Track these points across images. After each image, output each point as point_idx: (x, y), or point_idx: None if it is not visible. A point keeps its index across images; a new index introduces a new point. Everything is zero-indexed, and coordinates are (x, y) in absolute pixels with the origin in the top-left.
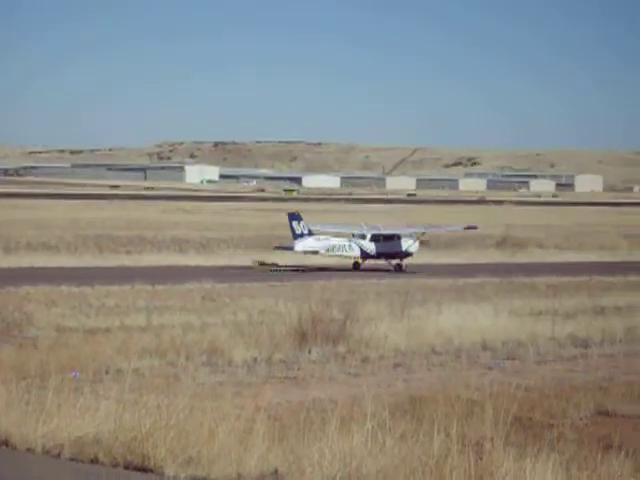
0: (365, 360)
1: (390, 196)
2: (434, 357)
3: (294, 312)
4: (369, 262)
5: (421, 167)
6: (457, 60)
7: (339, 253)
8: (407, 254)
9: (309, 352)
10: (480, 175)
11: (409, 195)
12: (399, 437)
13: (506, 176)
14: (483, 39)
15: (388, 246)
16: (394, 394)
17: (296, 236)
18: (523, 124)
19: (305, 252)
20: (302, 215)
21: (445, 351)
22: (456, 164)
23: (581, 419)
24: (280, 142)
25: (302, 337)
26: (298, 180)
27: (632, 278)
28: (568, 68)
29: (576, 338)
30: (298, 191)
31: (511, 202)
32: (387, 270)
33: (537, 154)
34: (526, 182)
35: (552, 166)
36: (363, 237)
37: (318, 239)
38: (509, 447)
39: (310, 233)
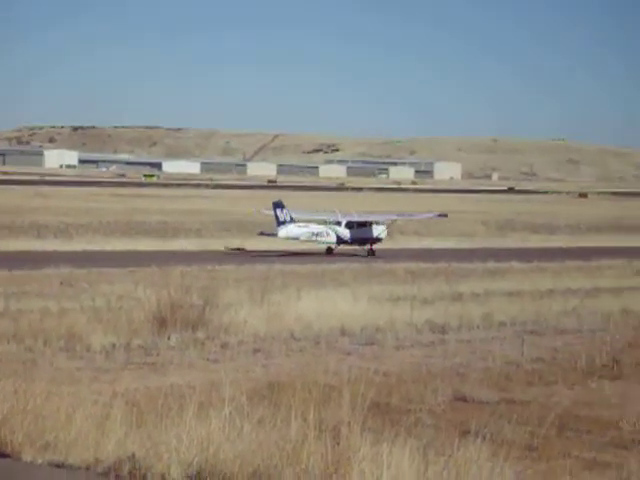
0: (224, 346)
1: (250, 182)
2: (293, 343)
3: (153, 298)
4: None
5: (281, 153)
6: (317, 46)
7: (318, 239)
8: (377, 240)
9: (168, 338)
10: (340, 162)
11: (269, 182)
12: (257, 422)
13: (366, 163)
14: (342, 25)
15: (361, 232)
16: (253, 380)
17: (279, 223)
18: (383, 111)
19: (287, 238)
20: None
21: (304, 337)
22: (316, 151)
23: (439, 404)
24: (140, 127)
25: (161, 323)
26: (158, 165)
27: (490, 265)
28: (424, 55)
29: (434, 324)
30: (158, 176)
31: (370, 189)
32: (359, 255)
33: (397, 141)
34: (386, 169)
35: (411, 153)
36: (338, 224)
37: (299, 226)
38: (366, 432)
39: (292, 220)
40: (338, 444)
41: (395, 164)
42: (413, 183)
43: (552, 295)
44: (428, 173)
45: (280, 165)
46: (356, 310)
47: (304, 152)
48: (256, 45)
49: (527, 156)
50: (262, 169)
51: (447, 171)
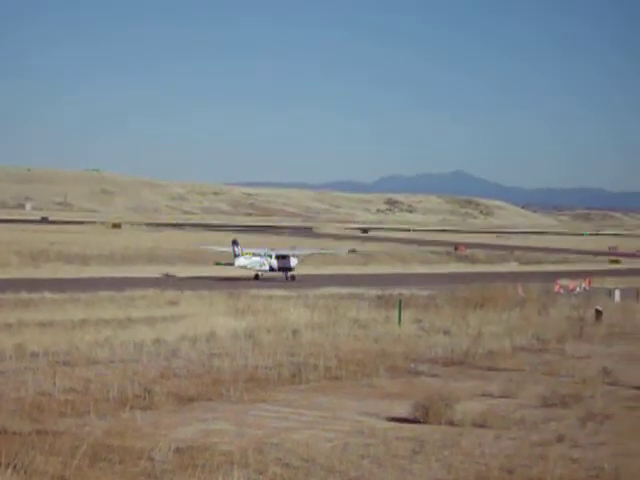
0: None
1: None
2: None
3: None
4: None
5: None
6: None
7: (259, 268)
8: (292, 269)
9: None
10: None
11: None
12: None
13: None
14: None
15: (284, 263)
16: None
17: (235, 256)
18: None
19: (240, 267)
20: None
21: None
22: None
23: None
24: None
25: None
26: None
27: (22, 295)
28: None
29: None
30: None
31: None
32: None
33: None
34: None
35: None
36: (270, 256)
37: (246, 258)
38: None
39: (241, 254)
40: None
41: None
42: None
43: (85, 326)
44: None
45: None
46: None
47: None
48: None
49: (62, 186)
50: None
51: None
